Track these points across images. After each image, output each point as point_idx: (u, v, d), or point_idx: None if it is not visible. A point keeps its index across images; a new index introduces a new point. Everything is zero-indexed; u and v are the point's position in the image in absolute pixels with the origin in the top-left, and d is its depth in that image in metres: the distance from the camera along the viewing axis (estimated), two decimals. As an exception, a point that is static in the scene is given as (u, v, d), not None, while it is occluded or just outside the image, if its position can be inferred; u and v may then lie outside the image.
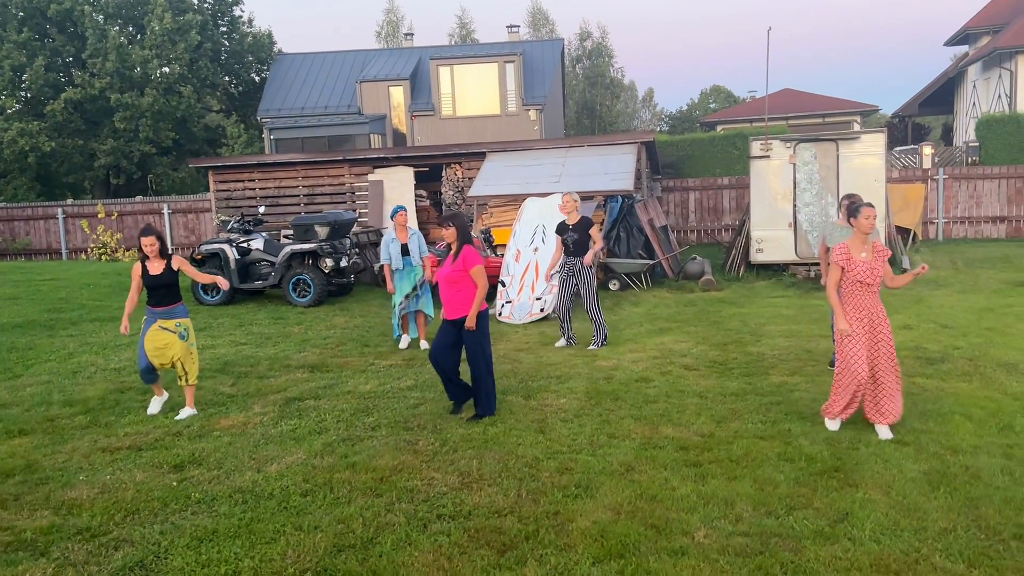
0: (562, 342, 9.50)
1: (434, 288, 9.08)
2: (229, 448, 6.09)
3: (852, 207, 6.16)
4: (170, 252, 7.12)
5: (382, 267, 9.73)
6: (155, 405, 7.17)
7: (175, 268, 6.98)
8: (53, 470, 5.73)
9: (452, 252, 6.77)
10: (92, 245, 21.09)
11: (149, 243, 6.90)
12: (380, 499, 5.06)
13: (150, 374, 7.06)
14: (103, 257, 20.54)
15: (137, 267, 6.97)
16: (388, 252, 9.50)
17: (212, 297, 13.16)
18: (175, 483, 5.42)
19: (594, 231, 9.22)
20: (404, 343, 9.67)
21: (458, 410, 6.87)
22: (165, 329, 6.93)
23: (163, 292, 6.95)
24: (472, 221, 15.55)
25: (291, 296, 12.92)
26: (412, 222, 16.13)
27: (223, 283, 7.22)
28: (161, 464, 5.78)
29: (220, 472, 5.60)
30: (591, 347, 9.24)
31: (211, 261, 13.31)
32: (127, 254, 20.56)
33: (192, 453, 5.98)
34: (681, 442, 5.90)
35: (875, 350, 5.96)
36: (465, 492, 5.13)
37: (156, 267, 6.94)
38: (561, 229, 9.36)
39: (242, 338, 10.39)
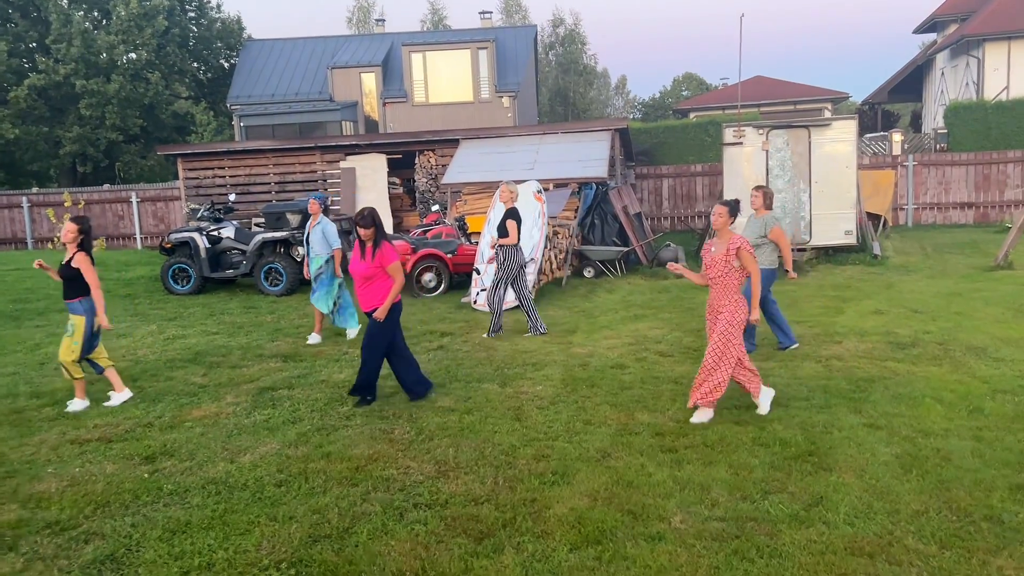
0: (492, 334, 9.40)
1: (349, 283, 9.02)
2: (201, 439, 6.01)
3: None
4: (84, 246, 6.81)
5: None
6: (77, 405, 6.93)
7: (75, 263, 6.68)
8: (20, 463, 5.62)
9: (369, 248, 6.66)
10: (58, 235, 20.69)
11: (69, 229, 6.68)
12: (356, 488, 5.02)
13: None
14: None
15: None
16: (335, 235, 9.39)
17: (182, 287, 12.98)
18: (146, 475, 5.34)
19: (511, 225, 9.13)
20: (312, 339, 9.38)
21: (369, 400, 6.79)
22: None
23: (66, 284, 6.73)
24: (447, 208, 15.47)
25: (263, 285, 12.78)
26: (386, 209, 16.03)
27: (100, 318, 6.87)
28: (132, 456, 5.69)
29: (192, 463, 5.52)
30: (540, 332, 9.29)
31: (181, 250, 13.12)
32: (95, 243, 20.20)
33: (164, 444, 5.89)
34: (657, 428, 5.91)
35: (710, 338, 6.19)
36: (441, 481, 5.10)
37: (67, 256, 6.76)
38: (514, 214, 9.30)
39: (213, 327, 10.26)
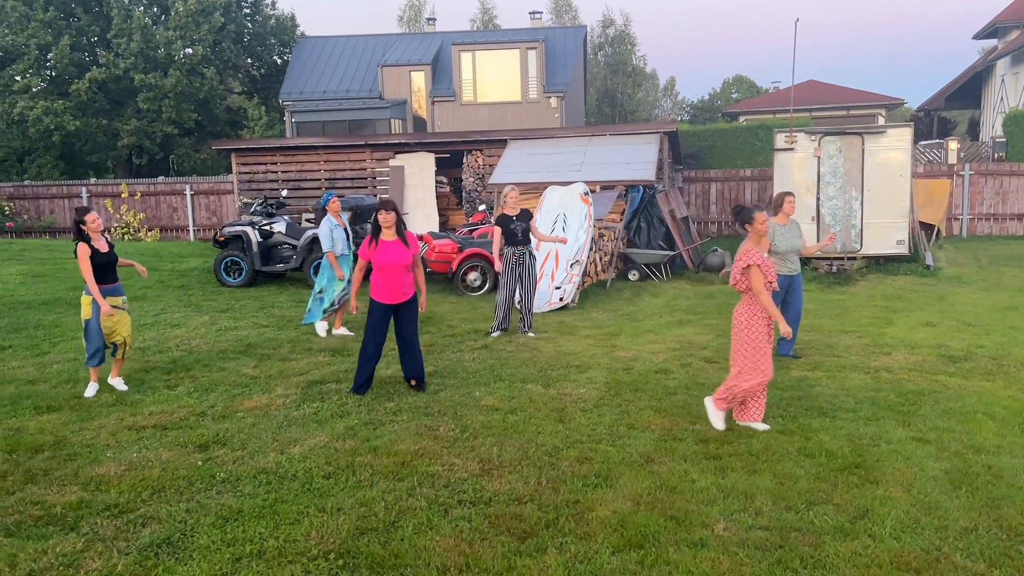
0: (496, 333, 9.46)
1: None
2: (253, 429, 6.17)
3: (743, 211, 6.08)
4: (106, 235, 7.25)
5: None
6: (91, 389, 7.16)
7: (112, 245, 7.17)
8: (81, 446, 5.83)
9: (397, 238, 6.87)
10: (115, 225, 21.29)
11: (93, 219, 7.01)
12: (401, 483, 5.12)
13: (99, 356, 7.15)
14: (126, 236, 20.74)
15: (85, 248, 6.93)
16: (332, 239, 9.50)
17: (234, 279, 13.27)
18: (200, 462, 5.50)
19: (534, 223, 9.47)
20: (323, 330, 9.56)
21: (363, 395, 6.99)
22: (116, 307, 7.10)
23: (110, 269, 7.11)
24: (492, 208, 15.56)
25: (312, 279, 12.98)
26: (433, 208, 16.18)
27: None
28: (186, 443, 5.87)
29: (244, 453, 5.68)
30: (530, 334, 9.40)
31: (233, 243, 13.41)
32: (150, 234, 20.74)
33: (216, 433, 6.06)
34: (701, 435, 5.91)
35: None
36: (485, 479, 5.17)
37: (103, 244, 7.08)
38: (504, 221, 9.42)
39: (264, 320, 10.49)
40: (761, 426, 6.03)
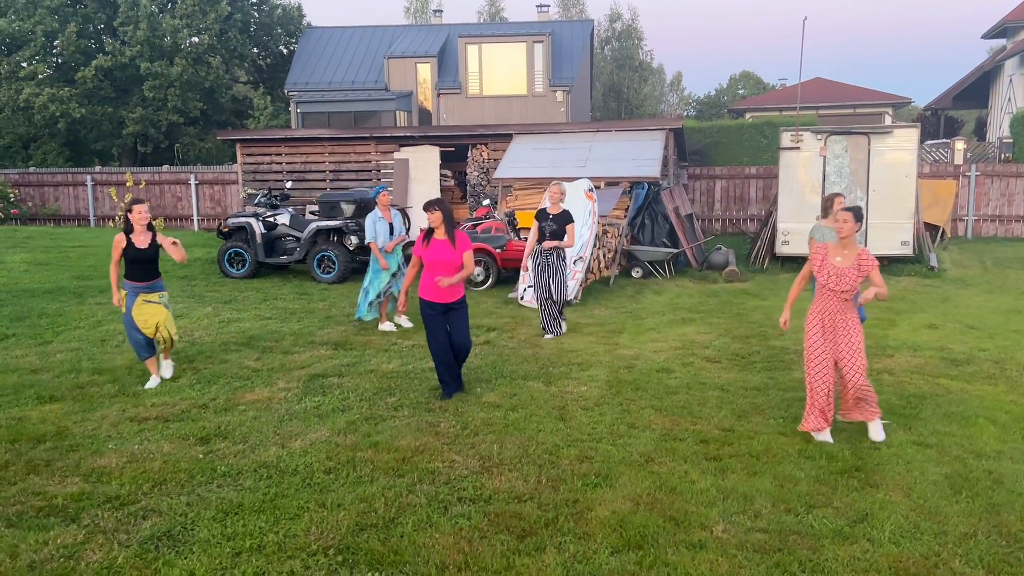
0: (550, 335, 9.31)
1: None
2: (254, 423, 6.18)
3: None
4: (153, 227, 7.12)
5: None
6: (153, 382, 7.14)
7: (160, 243, 6.97)
8: (83, 437, 5.85)
9: (446, 237, 6.75)
10: (120, 213, 21.30)
11: (141, 212, 6.85)
12: (402, 479, 5.13)
13: (145, 350, 7.07)
14: (130, 225, 20.73)
15: (121, 238, 6.85)
16: (375, 231, 9.57)
17: (238, 270, 13.28)
18: (201, 455, 5.52)
19: (571, 228, 9.14)
20: (387, 327, 9.58)
21: (450, 398, 6.81)
22: (150, 302, 7.00)
23: (149, 266, 6.95)
24: (496, 203, 15.55)
25: (316, 272, 13.01)
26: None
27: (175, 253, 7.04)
28: (188, 436, 5.89)
29: (245, 446, 5.69)
30: (547, 335, 9.19)
31: (237, 235, 13.42)
32: (154, 223, 20.74)
33: (218, 426, 6.08)
34: (701, 435, 5.91)
35: (838, 355, 5.79)
36: (485, 476, 5.18)
37: (143, 240, 6.91)
38: (541, 216, 9.28)
39: (267, 312, 10.50)
40: (820, 435, 5.79)
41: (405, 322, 9.75)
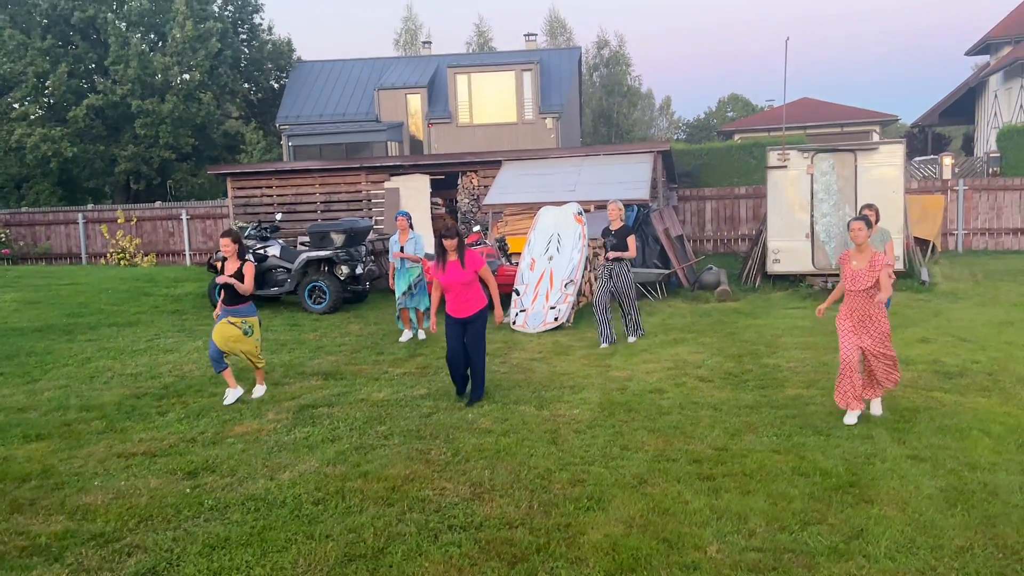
0: (604, 343, 9.88)
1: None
2: (242, 455, 6.11)
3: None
4: (247, 257, 7.61)
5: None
6: (231, 396, 7.60)
7: (244, 273, 7.46)
8: (69, 475, 5.77)
9: (457, 259, 7.39)
10: (111, 250, 21.29)
11: (225, 244, 7.44)
12: (391, 508, 5.06)
13: (218, 362, 7.50)
14: (122, 262, 20.72)
15: (219, 265, 7.51)
16: (392, 252, 10.61)
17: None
18: (188, 490, 5.44)
19: (631, 241, 9.82)
20: (405, 337, 10.61)
21: (463, 397, 7.54)
22: (232, 324, 7.46)
23: (232, 291, 7.42)
24: (487, 229, 15.57)
25: (307, 303, 12.97)
26: (428, 229, 16.21)
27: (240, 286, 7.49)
28: (175, 470, 5.82)
29: (233, 479, 5.62)
30: (630, 339, 10.08)
31: (228, 267, 13.38)
32: (146, 259, 20.73)
33: (206, 460, 6.01)
34: (694, 455, 5.86)
35: (864, 343, 6.57)
36: (476, 503, 5.12)
37: (230, 268, 7.44)
38: (604, 233, 10.08)
39: (257, 344, 10.43)
40: (849, 416, 6.51)
41: (422, 335, 10.69)
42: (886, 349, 6.59)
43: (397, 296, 10.61)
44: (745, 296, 13.67)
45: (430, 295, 10.12)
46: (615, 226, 9.92)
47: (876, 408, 6.74)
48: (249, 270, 7.47)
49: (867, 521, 4.70)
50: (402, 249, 10.47)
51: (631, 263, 9.98)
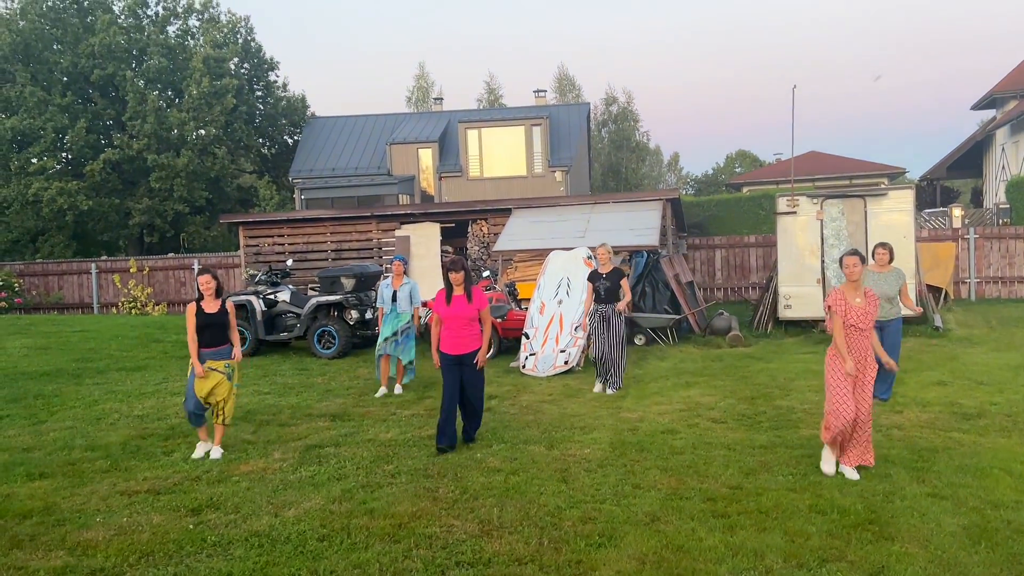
0: (598, 387, 9.69)
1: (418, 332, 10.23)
2: (247, 493, 6.01)
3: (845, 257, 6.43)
4: (225, 296, 7.41)
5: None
6: (200, 450, 7.19)
7: (228, 310, 7.24)
8: (71, 512, 5.68)
9: (463, 293, 7.25)
10: (123, 299, 21.41)
11: (205, 281, 7.20)
12: (398, 545, 4.94)
13: (198, 417, 7.17)
14: (133, 311, 20.81)
15: (192, 307, 7.17)
16: (381, 295, 10.16)
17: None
18: (191, 526, 5.34)
19: (624, 283, 9.63)
20: (380, 393, 9.82)
21: (443, 451, 7.05)
22: (214, 370, 7.10)
23: (217, 331, 7.17)
24: (497, 275, 15.58)
25: (316, 348, 12.93)
26: (438, 276, 16.25)
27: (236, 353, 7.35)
28: (178, 507, 5.72)
29: (237, 516, 5.51)
30: (607, 391, 9.55)
31: (238, 313, 13.39)
32: (157, 308, 20.82)
33: (210, 497, 5.91)
34: (708, 493, 5.72)
35: (861, 410, 6.13)
36: (485, 540, 4.99)
37: (211, 306, 7.19)
38: (593, 277, 9.76)
39: (265, 388, 10.38)
40: (851, 473, 6.05)
41: (398, 389, 10.00)
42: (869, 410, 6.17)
43: (379, 341, 10.01)
44: (757, 341, 13.54)
45: (415, 345, 10.02)
46: (604, 269, 9.70)
47: (853, 474, 6.09)
48: (231, 307, 7.28)
49: (888, 558, 4.56)
50: (395, 294, 10.04)
51: (620, 312, 9.59)
